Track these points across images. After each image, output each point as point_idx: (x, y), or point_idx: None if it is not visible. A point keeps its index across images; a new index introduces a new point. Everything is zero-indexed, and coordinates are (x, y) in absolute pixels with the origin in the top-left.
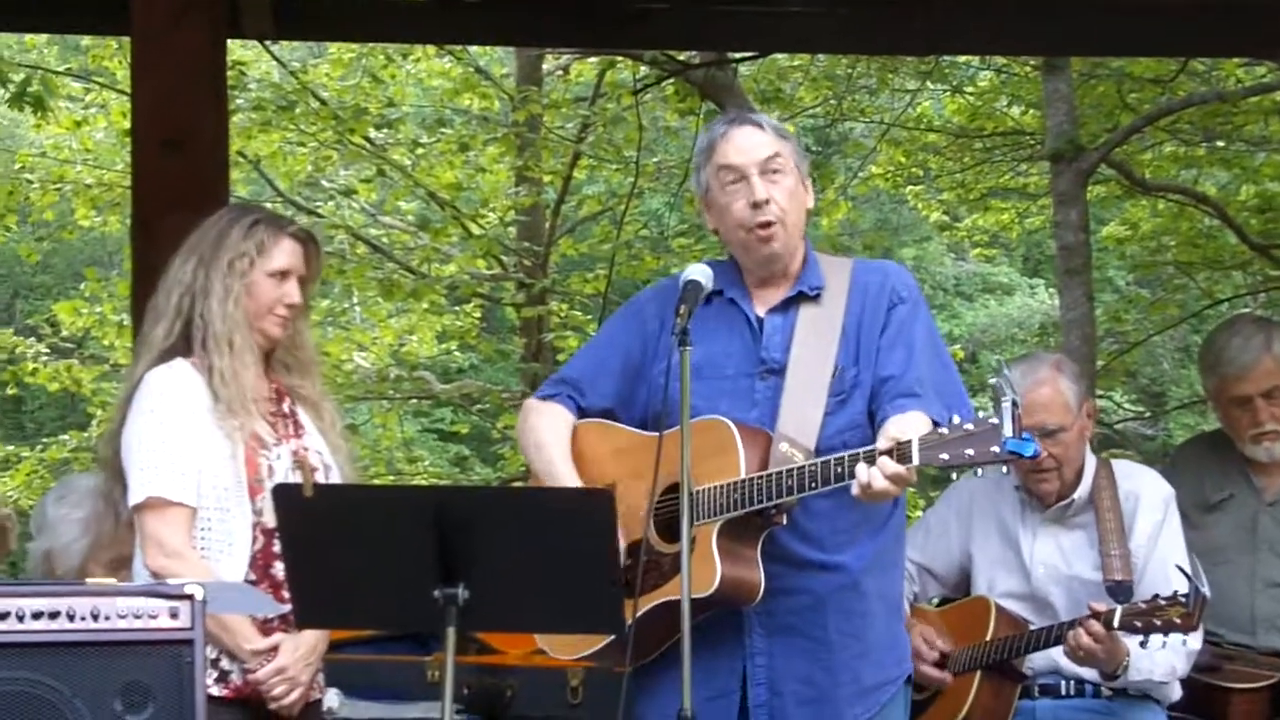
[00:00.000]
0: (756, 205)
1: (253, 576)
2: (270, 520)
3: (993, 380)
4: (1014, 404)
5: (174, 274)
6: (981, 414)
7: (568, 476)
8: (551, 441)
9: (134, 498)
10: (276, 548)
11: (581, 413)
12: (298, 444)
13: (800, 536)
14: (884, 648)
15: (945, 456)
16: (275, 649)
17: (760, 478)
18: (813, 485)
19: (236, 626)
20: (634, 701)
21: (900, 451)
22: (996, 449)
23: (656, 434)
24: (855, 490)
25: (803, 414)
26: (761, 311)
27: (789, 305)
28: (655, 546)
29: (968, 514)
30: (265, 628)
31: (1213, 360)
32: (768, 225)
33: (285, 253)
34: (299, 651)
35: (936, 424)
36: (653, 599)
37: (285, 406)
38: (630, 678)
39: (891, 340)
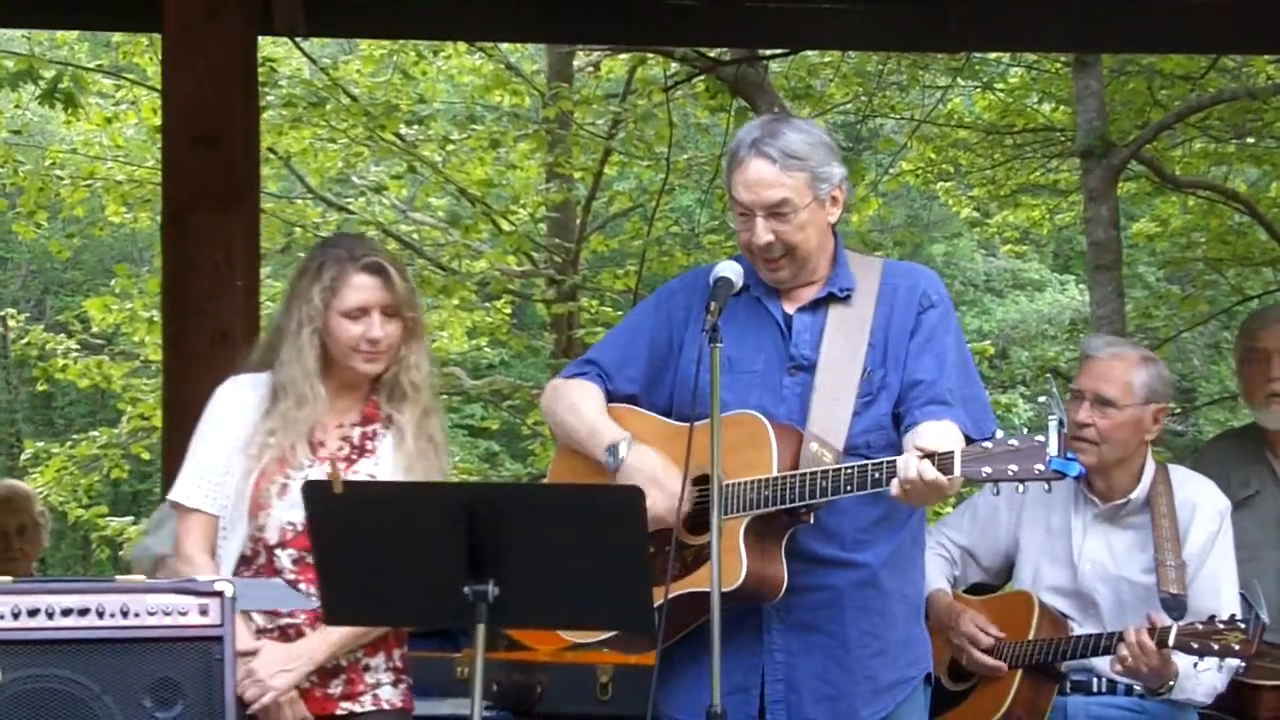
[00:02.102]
0: (760, 245)
1: (266, 579)
2: (272, 536)
3: (1042, 398)
4: (1060, 423)
5: (280, 304)
6: (1026, 430)
7: (609, 429)
8: (588, 403)
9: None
10: (277, 563)
11: (608, 395)
12: (338, 467)
13: (821, 534)
14: (901, 646)
15: (988, 470)
16: (255, 652)
17: (794, 477)
18: (849, 489)
19: None
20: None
21: (942, 462)
22: (1041, 467)
23: (682, 425)
24: (895, 489)
25: (831, 414)
26: (790, 309)
27: (818, 305)
28: (681, 537)
29: (1019, 501)
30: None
31: (1243, 325)
32: (772, 260)
33: (356, 289)
34: (280, 658)
35: (971, 439)
36: (677, 589)
37: (363, 431)
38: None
39: (921, 345)
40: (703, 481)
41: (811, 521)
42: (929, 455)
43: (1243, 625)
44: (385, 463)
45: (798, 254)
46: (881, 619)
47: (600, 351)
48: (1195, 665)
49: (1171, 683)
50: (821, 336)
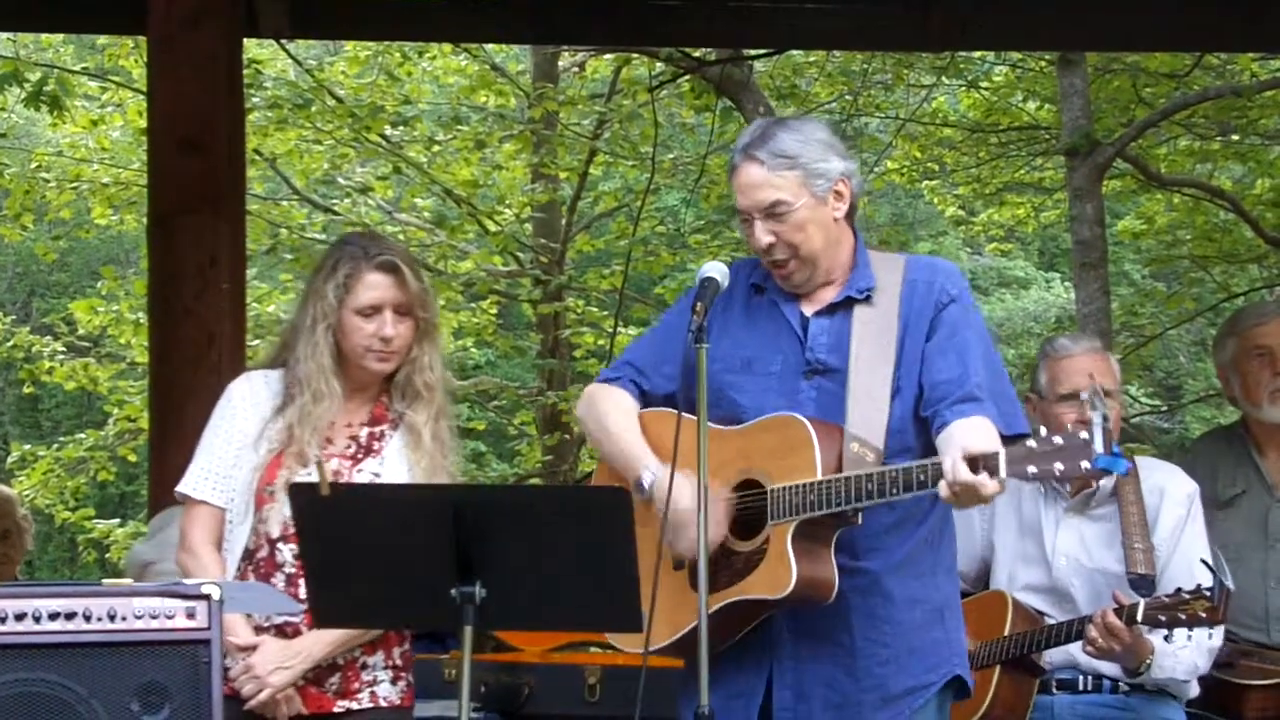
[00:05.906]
0: (761, 247)
1: (254, 583)
2: (274, 530)
3: (1084, 395)
4: (1104, 418)
5: (297, 301)
6: (1070, 428)
7: (639, 456)
8: (623, 425)
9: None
10: (279, 557)
11: (644, 395)
12: (343, 465)
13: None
14: (916, 654)
15: (1033, 470)
16: (254, 648)
17: (839, 480)
18: (894, 491)
19: (227, 623)
20: (670, 696)
21: (988, 464)
22: (1087, 464)
23: (722, 427)
24: (944, 492)
25: (867, 417)
26: (809, 311)
27: (837, 308)
28: (729, 545)
29: (990, 506)
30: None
31: (1229, 327)
32: (778, 264)
33: (370, 288)
34: (278, 654)
35: (1020, 435)
36: (724, 598)
37: (370, 431)
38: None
39: (943, 344)
40: (747, 487)
41: (860, 522)
42: (974, 458)
43: (1208, 593)
44: (392, 463)
45: (802, 253)
46: (890, 627)
47: (635, 352)
48: (1167, 639)
49: (1148, 660)
50: (848, 340)
